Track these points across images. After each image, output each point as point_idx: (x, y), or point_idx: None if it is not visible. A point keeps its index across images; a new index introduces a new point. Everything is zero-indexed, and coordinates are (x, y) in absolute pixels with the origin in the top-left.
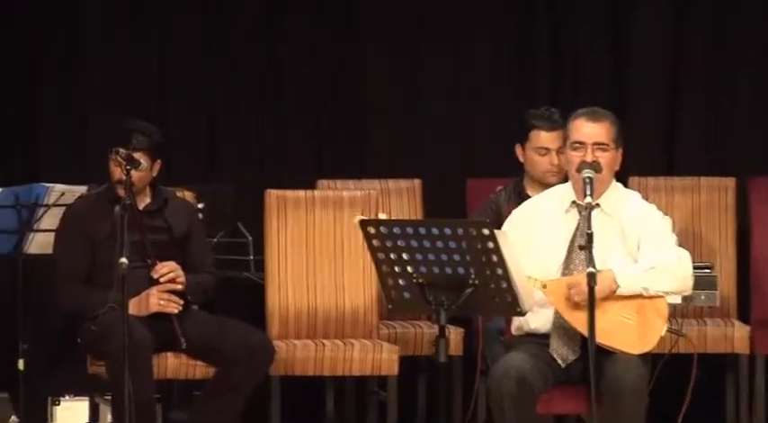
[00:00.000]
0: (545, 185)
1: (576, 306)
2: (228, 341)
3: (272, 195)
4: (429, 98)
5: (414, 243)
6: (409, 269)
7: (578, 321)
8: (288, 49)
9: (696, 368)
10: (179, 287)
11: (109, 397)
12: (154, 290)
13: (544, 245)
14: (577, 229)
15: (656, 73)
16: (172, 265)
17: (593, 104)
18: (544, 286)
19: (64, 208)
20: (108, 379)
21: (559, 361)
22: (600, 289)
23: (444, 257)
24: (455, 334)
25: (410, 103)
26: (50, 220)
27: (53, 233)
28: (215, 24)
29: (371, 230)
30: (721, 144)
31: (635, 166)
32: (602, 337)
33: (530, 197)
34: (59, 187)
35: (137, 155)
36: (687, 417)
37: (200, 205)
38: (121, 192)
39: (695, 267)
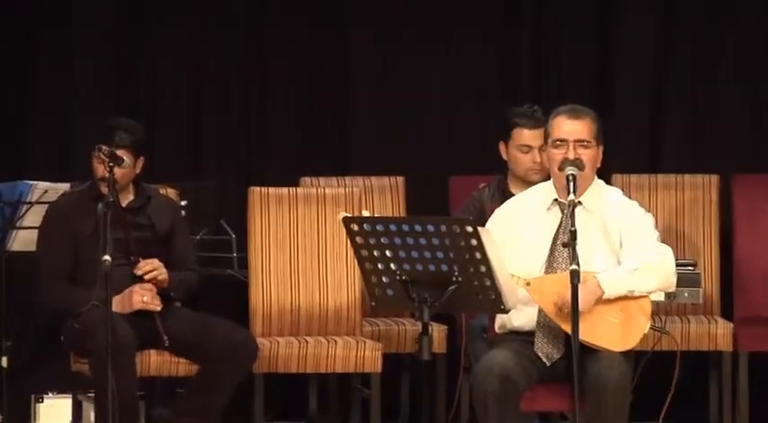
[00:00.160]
0: (528, 183)
1: (558, 310)
2: (212, 338)
3: (256, 193)
4: (412, 96)
5: (397, 240)
6: (392, 266)
7: (562, 319)
8: (272, 46)
9: (679, 365)
10: (163, 285)
11: (92, 394)
12: (137, 287)
13: (527, 243)
14: (560, 226)
15: (639, 70)
16: (155, 262)
17: (577, 102)
18: (527, 284)
19: (47, 205)
20: (91, 376)
21: (544, 359)
22: (586, 299)
23: (427, 255)
24: (438, 331)
25: (394, 100)
26: (33, 217)
27: (36, 230)
28: (202, 23)
29: (354, 227)
30: (704, 141)
31: (618, 163)
32: (586, 335)
33: (513, 195)
34: (43, 184)
35: (120, 152)
36: (670, 414)
37: (183, 202)
38: (104, 189)
39: (678, 265)
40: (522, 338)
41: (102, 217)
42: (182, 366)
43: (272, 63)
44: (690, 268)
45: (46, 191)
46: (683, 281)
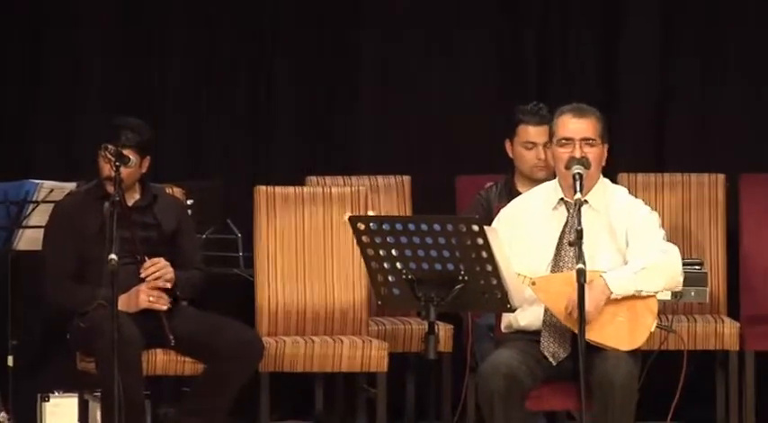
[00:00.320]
0: (535, 181)
1: (569, 314)
2: (218, 338)
3: (262, 192)
4: (419, 95)
5: (403, 239)
6: (398, 265)
7: (568, 318)
8: (278, 46)
9: (686, 365)
10: (167, 285)
11: (98, 393)
12: (143, 286)
13: (533, 242)
14: (566, 225)
15: (645, 69)
16: (161, 262)
17: (584, 102)
18: (533, 283)
19: (53, 204)
20: (97, 375)
21: (550, 358)
22: (594, 301)
23: (434, 254)
24: (444, 330)
25: (400, 99)
26: (39, 216)
27: (42, 229)
28: (208, 22)
29: (361, 227)
30: (711, 140)
31: (624, 162)
32: (593, 334)
33: (520, 194)
34: (49, 184)
35: (126, 151)
36: (677, 413)
37: (189, 202)
38: (110, 188)
39: (685, 264)
40: (529, 338)
41: (108, 216)
42: (188, 365)
43: (278, 62)
44: (696, 267)
45: (52, 190)
46: (689, 280)
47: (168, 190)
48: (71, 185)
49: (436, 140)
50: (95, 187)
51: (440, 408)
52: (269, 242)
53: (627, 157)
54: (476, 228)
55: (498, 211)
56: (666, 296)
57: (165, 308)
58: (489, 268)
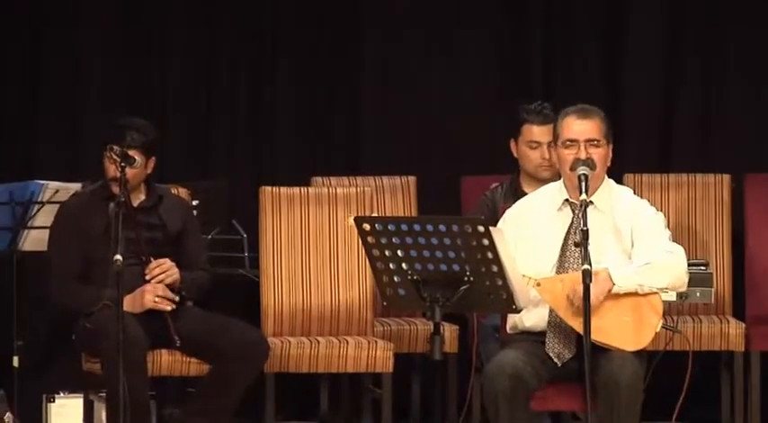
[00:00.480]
0: (540, 181)
1: (570, 303)
2: (223, 338)
3: (267, 192)
4: (424, 95)
5: (408, 240)
6: (404, 266)
7: (573, 319)
8: (283, 46)
9: (691, 365)
10: (172, 286)
11: (103, 394)
12: (148, 287)
13: (538, 243)
14: (571, 226)
15: (650, 70)
16: (166, 263)
17: (588, 102)
18: (538, 284)
19: (58, 205)
20: (102, 376)
21: (555, 359)
22: (596, 291)
23: (439, 254)
24: (450, 331)
25: (405, 100)
26: (45, 217)
27: (47, 230)
28: (212, 23)
29: (366, 227)
30: (716, 140)
31: (630, 162)
32: (598, 335)
33: (526, 194)
34: (54, 184)
35: (131, 152)
36: (683, 413)
37: (194, 202)
38: (116, 189)
39: (690, 264)
40: (534, 338)
41: (114, 217)
42: (193, 366)
43: (282, 63)
44: (702, 268)
45: (57, 191)
46: (694, 281)
47: (174, 190)
48: (76, 186)
49: (437, 140)
50: (101, 188)
51: (445, 408)
52: (274, 243)
53: (632, 158)
54: (481, 228)
55: (504, 212)
56: (672, 297)
57: (170, 308)
58: (495, 269)
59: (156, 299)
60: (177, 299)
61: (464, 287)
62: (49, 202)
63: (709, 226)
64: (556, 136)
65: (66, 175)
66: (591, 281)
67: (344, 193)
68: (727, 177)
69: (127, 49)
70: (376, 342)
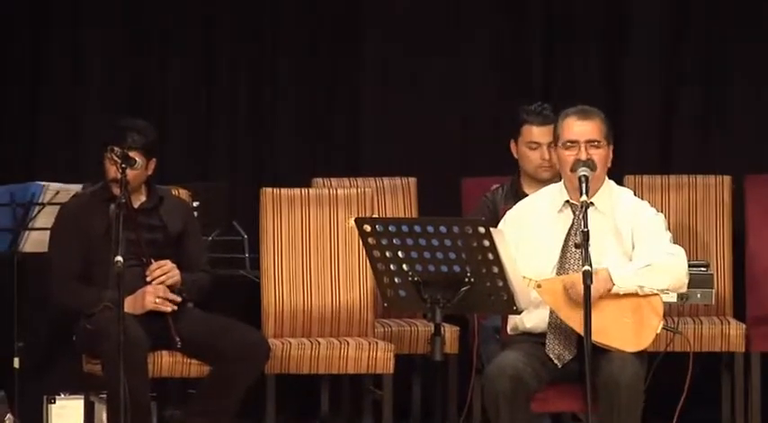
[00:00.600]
0: (540, 182)
1: (571, 305)
2: (224, 339)
3: (268, 193)
4: (424, 97)
5: (409, 241)
6: (405, 267)
7: (574, 320)
8: (283, 47)
9: (692, 366)
10: (173, 287)
11: (104, 395)
12: (149, 288)
13: (538, 244)
14: (571, 227)
15: (650, 71)
16: (167, 264)
17: (589, 103)
18: (539, 286)
19: (59, 206)
20: (103, 377)
21: (556, 361)
22: (595, 288)
23: (440, 255)
24: (450, 332)
25: (405, 101)
26: (45, 218)
27: (48, 231)
28: (212, 23)
29: (367, 228)
30: (717, 141)
31: (630, 163)
32: (598, 336)
33: (527, 195)
34: (55, 186)
35: (132, 153)
36: (683, 414)
37: (195, 203)
38: (116, 190)
39: (691, 266)
40: (534, 340)
41: (115, 218)
42: (194, 367)
43: (282, 63)
44: (702, 269)
45: (58, 192)
46: (695, 282)
47: (174, 192)
48: (77, 187)
49: (437, 141)
50: (101, 189)
51: (446, 409)
52: (275, 244)
53: (633, 159)
54: (482, 230)
55: (504, 213)
56: (672, 298)
57: (170, 310)
58: (495, 270)
59: (157, 300)
60: (180, 299)
61: (465, 288)
62: (50, 204)
63: (709, 227)
64: (556, 137)
65: (66, 175)
66: (592, 282)
67: (345, 194)
68: (727, 178)
69: (127, 49)
70: (377, 343)
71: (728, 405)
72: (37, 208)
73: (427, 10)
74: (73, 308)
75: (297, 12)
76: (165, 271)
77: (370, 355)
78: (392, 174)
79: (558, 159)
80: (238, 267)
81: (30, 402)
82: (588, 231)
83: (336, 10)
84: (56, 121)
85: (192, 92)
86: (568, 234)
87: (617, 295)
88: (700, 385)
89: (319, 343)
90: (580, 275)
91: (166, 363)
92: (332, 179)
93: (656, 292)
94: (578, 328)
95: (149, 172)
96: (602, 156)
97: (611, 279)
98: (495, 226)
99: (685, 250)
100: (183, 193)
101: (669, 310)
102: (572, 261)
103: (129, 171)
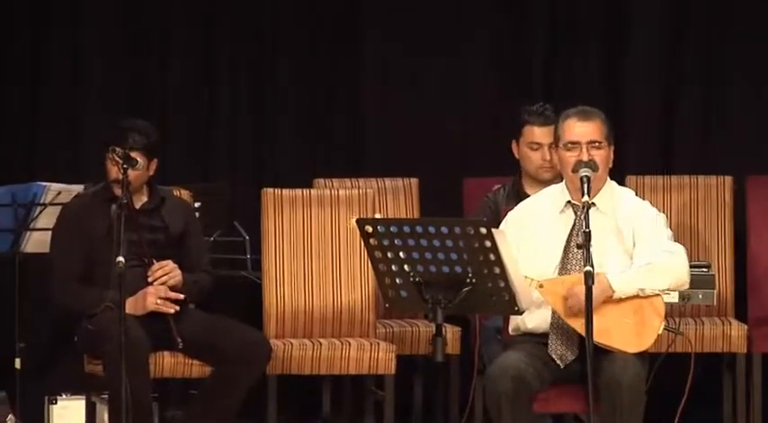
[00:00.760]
0: (542, 183)
1: (568, 308)
2: (225, 340)
3: (269, 194)
4: (426, 97)
5: (411, 242)
6: (406, 268)
7: (575, 321)
8: (283, 47)
9: (693, 367)
10: (175, 288)
11: (106, 396)
12: (151, 289)
13: (540, 245)
14: (573, 228)
15: (651, 71)
16: (169, 265)
17: (590, 104)
18: (541, 286)
19: (60, 207)
20: (105, 378)
21: (558, 361)
22: (595, 297)
23: (441, 256)
24: (452, 333)
25: (407, 101)
26: (47, 218)
27: (49, 232)
28: (213, 23)
29: (368, 229)
30: (718, 142)
31: (631, 164)
32: (600, 336)
33: (528, 196)
34: (56, 186)
35: (133, 154)
36: (685, 415)
37: (196, 204)
38: (118, 191)
39: (692, 266)
40: (536, 340)
41: (116, 219)
42: (195, 368)
43: (282, 63)
44: (704, 270)
45: (59, 192)
46: (696, 282)
47: (176, 192)
48: (78, 188)
49: (437, 141)
50: (103, 190)
51: (447, 410)
52: (276, 245)
53: (634, 160)
54: (484, 230)
55: (506, 214)
56: (674, 299)
57: (172, 311)
58: (497, 271)
59: (159, 301)
60: (182, 297)
61: (466, 289)
62: (52, 204)
63: (711, 228)
64: (557, 138)
65: (66, 175)
66: (593, 283)
67: (347, 194)
68: (728, 179)
69: (127, 49)
70: (378, 344)
71: (730, 406)
72: (38, 208)
73: (427, 10)
74: (74, 308)
75: (297, 12)
76: (166, 271)
77: (372, 355)
78: (393, 174)
79: (559, 160)
80: (240, 268)
81: (31, 403)
82: (590, 232)
83: (336, 10)
84: (56, 121)
85: (192, 92)
86: (570, 234)
87: (618, 297)
88: (701, 386)
89: (321, 344)
90: (579, 283)
91: (168, 363)
92: (333, 180)
93: (657, 292)
94: (580, 328)
95: (151, 172)
96: (603, 156)
97: (611, 287)
98: (497, 226)
99: (687, 251)
100: (185, 194)
101: (670, 311)
102: (574, 261)
103: (130, 172)
